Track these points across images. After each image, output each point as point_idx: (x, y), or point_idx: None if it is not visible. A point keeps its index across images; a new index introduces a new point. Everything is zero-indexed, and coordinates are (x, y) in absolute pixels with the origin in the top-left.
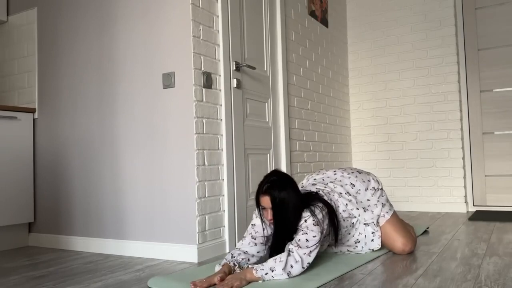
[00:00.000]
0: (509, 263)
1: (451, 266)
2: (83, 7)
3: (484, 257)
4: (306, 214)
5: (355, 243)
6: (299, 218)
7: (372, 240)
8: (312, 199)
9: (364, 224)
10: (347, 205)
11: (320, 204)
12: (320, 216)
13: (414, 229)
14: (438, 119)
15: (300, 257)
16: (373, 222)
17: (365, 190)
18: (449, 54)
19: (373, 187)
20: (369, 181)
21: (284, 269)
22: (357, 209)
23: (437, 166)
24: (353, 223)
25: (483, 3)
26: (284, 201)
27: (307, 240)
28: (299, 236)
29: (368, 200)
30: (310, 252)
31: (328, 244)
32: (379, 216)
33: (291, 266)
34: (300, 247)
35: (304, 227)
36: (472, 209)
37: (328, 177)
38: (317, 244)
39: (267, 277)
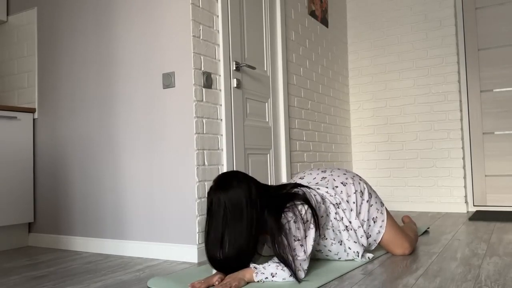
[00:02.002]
0: (509, 263)
1: (451, 266)
2: (83, 7)
3: (484, 257)
4: (289, 215)
5: (339, 258)
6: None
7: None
8: (289, 196)
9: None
10: (338, 214)
11: (299, 202)
12: (303, 212)
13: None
14: (438, 119)
15: (301, 264)
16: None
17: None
18: (449, 54)
19: (362, 200)
20: (355, 193)
21: (285, 278)
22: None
23: (437, 166)
24: (341, 240)
25: (483, 3)
26: (232, 203)
27: (301, 246)
28: (294, 244)
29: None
30: (309, 255)
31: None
32: (370, 243)
33: (294, 275)
34: (298, 255)
35: (293, 230)
36: (472, 209)
37: (313, 182)
38: (312, 244)
39: (267, 281)
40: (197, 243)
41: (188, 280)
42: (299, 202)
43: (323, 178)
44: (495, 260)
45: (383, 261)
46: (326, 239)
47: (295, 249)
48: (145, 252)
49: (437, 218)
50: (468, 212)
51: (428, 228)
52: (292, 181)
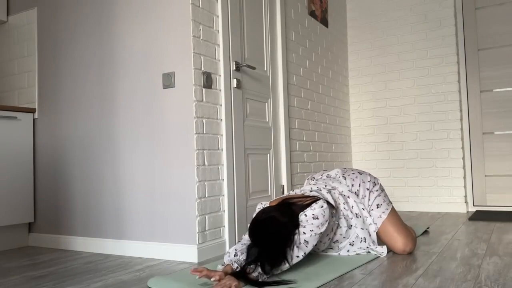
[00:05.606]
0: (509, 263)
1: (451, 266)
2: (83, 7)
3: (484, 257)
4: (305, 211)
5: (354, 251)
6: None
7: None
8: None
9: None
10: (347, 203)
11: (321, 200)
12: (319, 209)
13: (414, 230)
14: (438, 119)
15: (292, 259)
16: (367, 231)
17: (364, 189)
18: (449, 54)
19: (372, 189)
20: (369, 181)
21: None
22: (357, 211)
23: (437, 166)
24: (351, 225)
25: (483, 3)
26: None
27: (305, 241)
28: (301, 236)
29: (369, 200)
30: (306, 252)
31: (327, 248)
32: (373, 223)
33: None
34: (299, 249)
35: (304, 221)
36: (472, 209)
37: (328, 176)
38: (316, 240)
39: (261, 277)
40: (197, 243)
41: (188, 280)
42: (317, 206)
43: (344, 168)
44: (495, 260)
45: (383, 261)
46: (340, 227)
47: (300, 242)
48: (145, 252)
49: (437, 218)
50: (468, 212)
51: (428, 228)
52: (317, 179)
